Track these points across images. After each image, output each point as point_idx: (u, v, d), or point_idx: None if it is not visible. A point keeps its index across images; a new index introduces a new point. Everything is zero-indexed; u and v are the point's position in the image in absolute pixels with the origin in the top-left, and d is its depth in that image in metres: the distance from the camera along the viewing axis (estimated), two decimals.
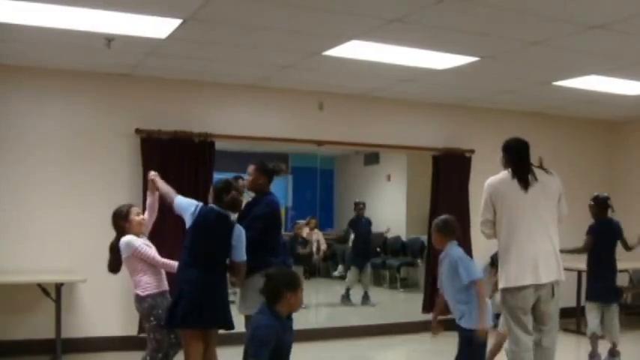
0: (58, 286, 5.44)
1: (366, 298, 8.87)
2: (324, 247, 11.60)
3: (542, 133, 8.08)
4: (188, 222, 4.21)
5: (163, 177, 5.98)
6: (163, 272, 4.37)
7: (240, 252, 4.18)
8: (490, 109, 7.71)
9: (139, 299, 4.24)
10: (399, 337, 7.07)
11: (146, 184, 5.91)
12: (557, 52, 5.12)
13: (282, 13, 4.32)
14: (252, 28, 4.67)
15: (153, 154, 6.03)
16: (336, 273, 11.79)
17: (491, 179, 4.26)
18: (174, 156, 6.08)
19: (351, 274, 9.11)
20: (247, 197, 4.99)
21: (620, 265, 7.66)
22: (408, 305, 8.72)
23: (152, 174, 4.62)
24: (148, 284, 4.25)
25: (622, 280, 7.88)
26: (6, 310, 5.63)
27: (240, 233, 4.19)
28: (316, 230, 11.51)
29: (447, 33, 4.70)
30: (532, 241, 4.09)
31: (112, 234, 4.39)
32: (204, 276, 4.05)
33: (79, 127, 5.98)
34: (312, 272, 11.67)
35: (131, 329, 5.75)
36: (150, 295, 4.22)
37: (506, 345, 4.23)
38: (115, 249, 4.32)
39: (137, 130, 6.05)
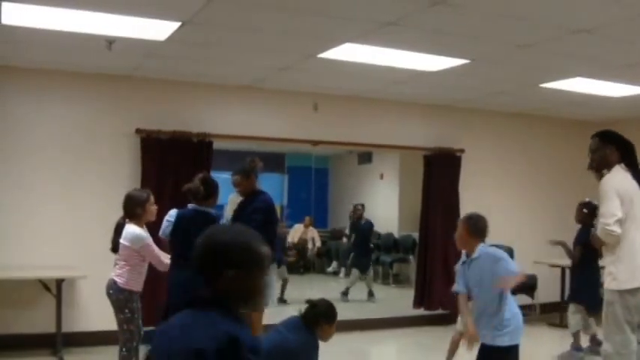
0: (59, 282, 5.54)
1: (370, 295, 8.97)
2: (318, 244, 11.76)
3: (530, 134, 8.27)
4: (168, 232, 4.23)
5: (163, 176, 6.15)
6: (144, 275, 4.37)
7: None
8: (480, 110, 7.84)
9: (118, 289, 4.25)
10: (392, 331, 7.21)
11: (145, 183, 6.08)
12: (544, 55, 5.22)
13: (279, 17, 4.39)
14: (249, 31, 4.74)
15: (152, 153, 6.16)
16: (330, 269, 11.93)
17: (614, 175, 3.93)
18: (174, 155, 6.18)
19: (353, 275, 9.23)
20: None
21: (605, 262, 7.83)
22: (400, 300, 8.86)
23: None
24: (132, 280, 4.28)
25: None
26: (8, 304, 5.73)
27: None
28: (311, 228, 11.66)
29: (438, 36, 4.77)
30: None
31: (111, 232, 4.50)
32: (187, 276, 3.99)
33: (81, 127, 6.08)
34: (307, 268, 11.83)
35: None
36: (128, 290, 4.26)
37: (606, 347, 3.98)
38: (120, 229, 4.34)
39: (137, 130, 6.16)
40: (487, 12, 4.22)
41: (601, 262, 5.74)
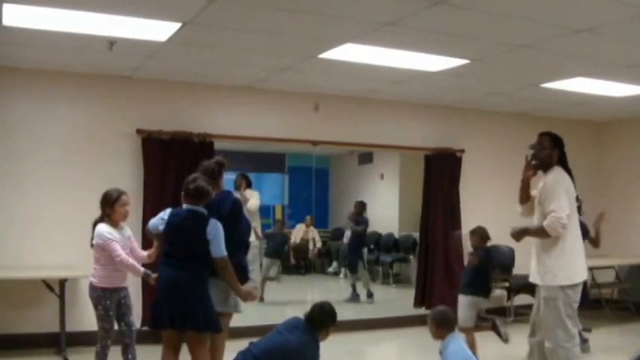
0: (62, 282, 5.57)
1: (369, 296, 8.88)
2: (319, 244, 11.77)
3: (530, 134, 8.18)
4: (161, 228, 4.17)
5: (164, 176, 6.17)
6: (121, 271, 4.45)
7: (216, 247, 3.97)
8: (480, 110, 7.87)
9: (91, 287, 4.42)
10: (392, 331, 7.24)
11: (147, 183, 6.12)
12: (545, 55, 5.23)
13: (279, 18, 4.42)
14: (250, 31, 4.76)
15: (153, 153, 6.18)
16: (330, 269, 11.96)
17: (562, 176, 4.26)
18: (175, 156, 6.20)
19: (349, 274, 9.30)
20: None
21: (606, 262, 7.88)
22: (400, 300, 8.89)
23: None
24: (103, 278, 4.40)
25: (608, 276, 8.09)
26: (12, 304, 5.76)
27: (214, 227, 3.98)
28: (312, 228, 11.68)
29: (438, 36, 4.80)
30: (581, 239, 4.33)
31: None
32: (175, 275, 3.95)
33: (83, 127, 6.10)
34: (307, 268, 11.85)
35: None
36: (101, 288, 4.38)
37: (548, 344, 4.21)
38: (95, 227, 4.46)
39: (138, 131, 6.18)
40: (487, 12, 4.24)
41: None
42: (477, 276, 5.42)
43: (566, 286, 4.17)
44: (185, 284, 3.93)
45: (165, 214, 4.17)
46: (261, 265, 8.82)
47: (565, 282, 4.17)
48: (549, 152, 4.33)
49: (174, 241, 4.06)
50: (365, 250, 9.31)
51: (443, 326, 3.93)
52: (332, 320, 3.83)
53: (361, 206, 9.37)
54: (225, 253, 3.99)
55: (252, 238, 8.90)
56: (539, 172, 4.43)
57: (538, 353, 4.43)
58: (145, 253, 4.68)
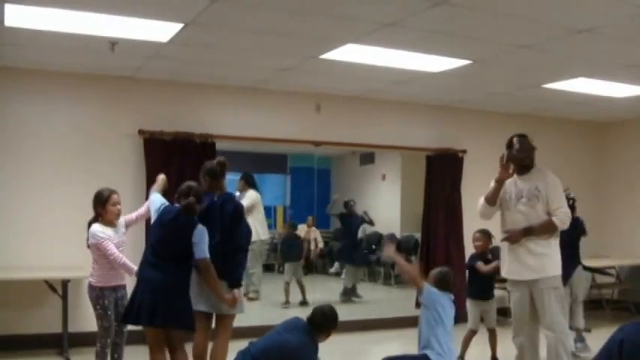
0: (65, 283, 5.58)
1: (344, 294, 9.01)
2: (320, 244, 11.78)
3: (532, 135, 8.22)
4: (153, 219, 4.25)
5: (167, 177, 6.16)
6: (118, 270, 4.51)
7: (200, 249, 4.03)
8: (482, 110, 7.87)
9: (90, 288, 4.50)
10: (394, 332, 7.24)
11: (149, 184, 6.09)
12: (546, 55, 5.25)
13: (281, 18, 4.43)
14: (252, 32, 4.78)
15: (155, 154, 6.18)
16: (332, 270, 11.96)
17: (554, 175, 4.62)
18: (176, 156, 6.21)
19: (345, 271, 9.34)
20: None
21: (607, 262, 7.87)
22: (401, 300, 8.89)
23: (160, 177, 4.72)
24: (101, 277, 4.47)
25: (609, 276, 8.08)
26: (15, 305, 5.78)
27: (201, 232, 4.05)
28: (313, 228, 11.68)
29: (439, 37, 4.81)
30: None
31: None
32: (161, 274, 3.97)
33: (84, 127, 6.12)
34: (309, 269, 11.87)
35: None
36: (99, 287, 4.45)
37: (551, 333, 4.38)
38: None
39: (140, 131, 6.19)
40: (488, 12, 4.25)
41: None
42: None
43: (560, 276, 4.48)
44: (173, 287, 3.99)
45: (161, 206, 4.23)
46: (267, 267, 8.90)
47: (559, 271, 4.47)
48: (532, 155, 4.68)
49: (161, 239, 4.10)
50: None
51: (441, 286, 3.98)
52: (333, 323, 3.84)
53: (345, 206, 9.47)
54: (207, 255, 4.07)
55: (255, 238, 9.04)
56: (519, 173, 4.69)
57: (530, 350, 4.47)
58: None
